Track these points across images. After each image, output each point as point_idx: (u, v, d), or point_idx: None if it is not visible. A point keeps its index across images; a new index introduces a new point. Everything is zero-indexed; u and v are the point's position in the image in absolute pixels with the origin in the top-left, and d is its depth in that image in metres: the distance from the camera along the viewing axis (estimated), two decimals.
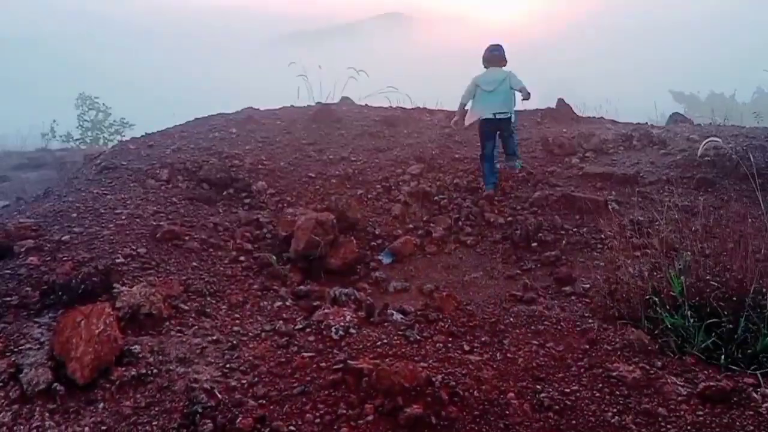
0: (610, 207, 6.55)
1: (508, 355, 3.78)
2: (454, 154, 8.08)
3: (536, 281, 5.36)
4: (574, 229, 6.29)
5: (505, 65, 7.32)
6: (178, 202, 6.68)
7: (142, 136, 8.88)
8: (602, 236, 6.18)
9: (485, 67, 7.39)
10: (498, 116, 7.13)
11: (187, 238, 5.79)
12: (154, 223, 5.96)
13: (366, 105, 10.36)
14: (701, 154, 5.43)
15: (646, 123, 9.58)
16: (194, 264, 5.38)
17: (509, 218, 6.66)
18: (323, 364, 3.64)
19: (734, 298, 4.46)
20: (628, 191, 6.82)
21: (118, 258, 5.16)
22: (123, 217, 6.04)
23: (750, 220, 6.07)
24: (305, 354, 3.82)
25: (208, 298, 4.80)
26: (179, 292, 4.77)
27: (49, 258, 5.02)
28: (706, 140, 4.57)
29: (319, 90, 10.93)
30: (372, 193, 7.34)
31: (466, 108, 7.45)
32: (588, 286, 5.18)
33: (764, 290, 4.21)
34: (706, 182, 6.61)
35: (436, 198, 7.16)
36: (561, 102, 9.62)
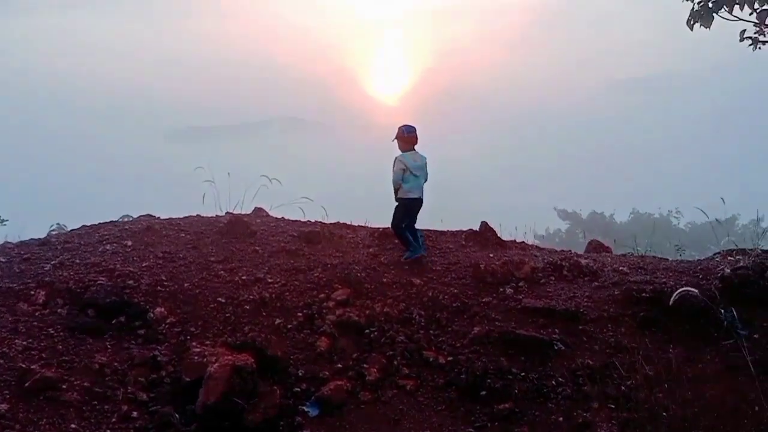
0: (555, 347, 6.06)
1: None
2: (382, 278, 7.38)
3: None
4: (523, 374, 5.70)
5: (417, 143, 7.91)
6: (56, 334, 5.44)
7: (17, 244, 7.51)
8: (554, 382, 5.65)
9: (402, 148, 7.79)
10: (421, 197, 7.87)
11: (65, 386, 4.61)
12: (23, 366, 4.75)
13: (282, 218, 9.57)
14: (673, 302, 5.08)
15: (570, 250, 9.46)
16: (73, 426, 4.20)
17: (450, 358, 5.98)
18: None
19: None
20: (570, 329, 6.38)
21: None
22: None
23: (700, 365, 5.80)
24: None
25: None
26: None
27: None
28: (680, 290, 4.21)
29: (227, 197, 9.97)
30: (292, 323, 6.43)
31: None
32: None
33: None
34: (648, 321, 6.32)
35: (366, 331, 6.36)
36: (485, 225, 9.32)
